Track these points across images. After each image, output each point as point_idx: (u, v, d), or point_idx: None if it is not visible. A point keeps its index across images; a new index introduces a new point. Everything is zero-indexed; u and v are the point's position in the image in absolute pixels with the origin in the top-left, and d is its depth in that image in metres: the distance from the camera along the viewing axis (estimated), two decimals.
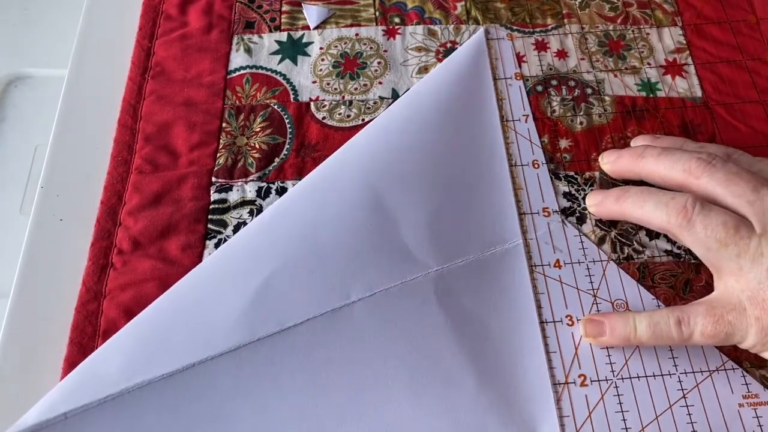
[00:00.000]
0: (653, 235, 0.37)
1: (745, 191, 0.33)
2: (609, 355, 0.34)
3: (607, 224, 0.38)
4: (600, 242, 0.37)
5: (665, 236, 0.37)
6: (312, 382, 0.32)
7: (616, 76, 0.43)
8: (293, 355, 0.32)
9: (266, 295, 0.33)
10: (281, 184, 0.39)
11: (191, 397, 0.31)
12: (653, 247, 0.37)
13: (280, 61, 0.44)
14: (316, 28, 0.45)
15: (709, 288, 0.36)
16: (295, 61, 0.44)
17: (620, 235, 0.37)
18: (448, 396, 0.32)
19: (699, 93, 0.43)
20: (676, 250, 0.37)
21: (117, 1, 0.47)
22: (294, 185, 0.39)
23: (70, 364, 0.33)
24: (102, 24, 0.46)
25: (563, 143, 0.40)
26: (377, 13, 0.46)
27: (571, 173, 0.39)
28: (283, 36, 0.45)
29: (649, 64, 0.44)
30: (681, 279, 0.36)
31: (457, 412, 0.32)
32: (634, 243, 0.37)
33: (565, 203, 0.38)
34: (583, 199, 0.38)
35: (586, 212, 0.38)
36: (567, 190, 0.39)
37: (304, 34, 0.45)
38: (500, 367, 0.33)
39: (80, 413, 0.30)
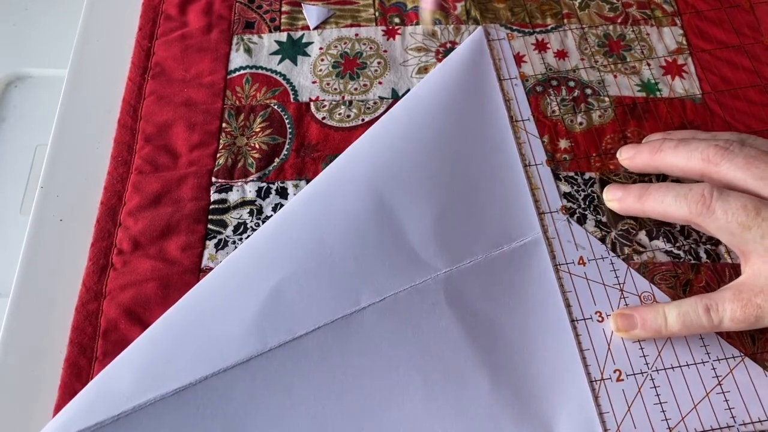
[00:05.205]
0: (653, 235, 0.37)
1: (766, 172, 0.33)
2: (642, 348, 0.34)
3: (608, 225, 0.38)
4: (600, 243, 0.37)
5: (665, 236, 0.37)
6: (326, 390, 0.32)
7: (616, 76, 0.43)
8: (306, 363, 0.32)
9: (276, 304, 0.32)
10: (281, 185, 0.39)
11: (205, 411, 0.30)
12: (653, 247, 0.37)
13: (280, 61, 0.44)
14: (316, 28, 0.45)
15: (709, 288, 0.36)
16: (294, 62, 0.44)
17: (620, 236, 0.37)
18: (462, 398, 0.32)
19: (699, 93, 0.43)
20: (675, 251, 0.37)
21: (117, 1, 0.47)
22: (294, 185, 0.39)
23: (71, 364, 0.33)
24: (102, 24, 0.46)
25: (563, 143, 0.40)
26: (377, 14, 0.46)
27: (571, 173, 0.39)
28: (282, 36, 0.45)
29: (649, 64, 0.44)
30: (681, 279, 0.36)
31: (472, 414, 0.32)
32: (634, 243, 0.37)
33: (566, 203, 0.38)
34: (583, 199, 0.38)
35: (587, 212, 0.38)
36: (567, 191, 0.39)
37: (303, 34, 0.45)
38: (514, 366, 0.33)
39: (94, 431, 0.30)
